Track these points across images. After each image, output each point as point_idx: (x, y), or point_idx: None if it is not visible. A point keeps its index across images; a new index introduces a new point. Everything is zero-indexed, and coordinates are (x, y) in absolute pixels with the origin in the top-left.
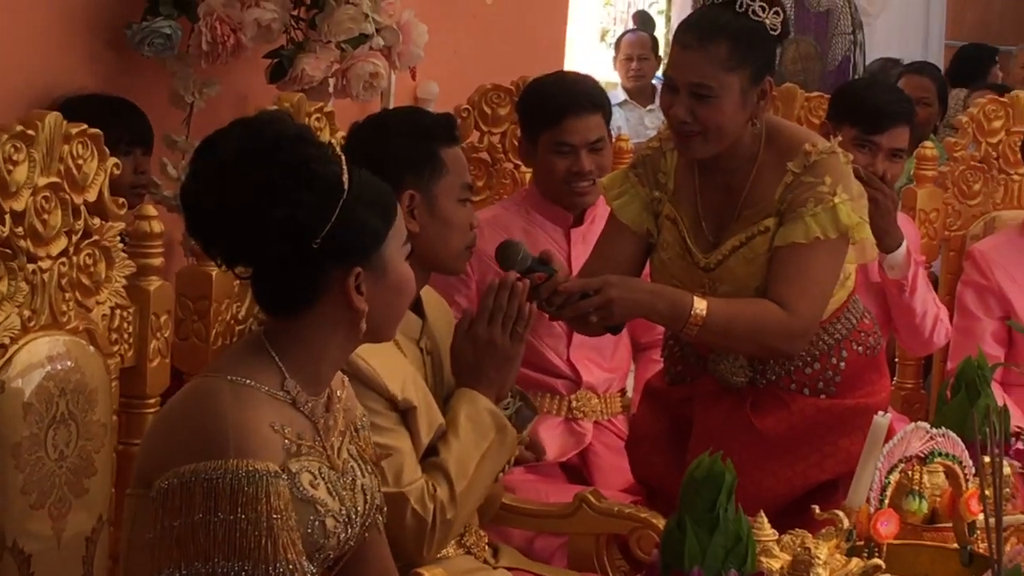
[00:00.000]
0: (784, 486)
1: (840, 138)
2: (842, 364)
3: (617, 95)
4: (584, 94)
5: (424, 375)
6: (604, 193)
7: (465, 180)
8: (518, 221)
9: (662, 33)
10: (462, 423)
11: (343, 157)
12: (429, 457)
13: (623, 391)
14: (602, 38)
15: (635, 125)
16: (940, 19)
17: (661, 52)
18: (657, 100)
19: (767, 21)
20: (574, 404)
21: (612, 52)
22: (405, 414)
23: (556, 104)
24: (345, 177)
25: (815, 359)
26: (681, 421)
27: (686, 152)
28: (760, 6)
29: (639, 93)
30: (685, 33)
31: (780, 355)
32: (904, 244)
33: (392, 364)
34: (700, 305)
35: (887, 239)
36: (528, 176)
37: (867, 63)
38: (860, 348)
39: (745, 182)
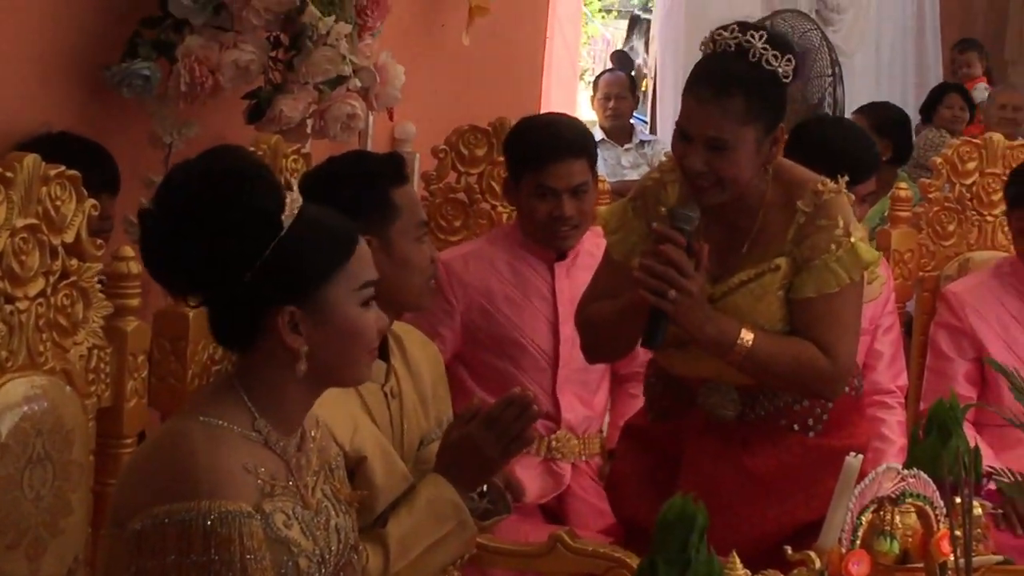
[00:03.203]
0: (772, 525)
1: (847, 176)
2: (830, 403)
3: (594, 134)
4: (570, 139)
5: (388, 419)
6: (602, 225)
7: (420, 218)
8: (503, 254)
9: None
10: (420, 504)
11: (290, 197)
12: (376, 526)
13: (600, 431)
14: (581, 77)
15: (612, 165)
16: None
17: (639, 91)
18: (634, 139)
19: (780, 69)
20: (553, 445)
21: (590, 91)
22: (355, 466)
23: (540, 147)
24: (284, 216)
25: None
26: (665, 459)
27: (701, 200)
28: (773, 55)
29: (616, 132)
30: (699, 85)
31: (818, 396)
32: None
33: (342, 412)
34: (747, 335)
35: None
36: (505, 216)
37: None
38: (847, 388)
39: (753, 221)
